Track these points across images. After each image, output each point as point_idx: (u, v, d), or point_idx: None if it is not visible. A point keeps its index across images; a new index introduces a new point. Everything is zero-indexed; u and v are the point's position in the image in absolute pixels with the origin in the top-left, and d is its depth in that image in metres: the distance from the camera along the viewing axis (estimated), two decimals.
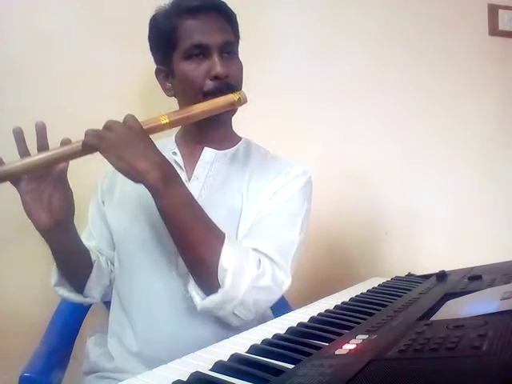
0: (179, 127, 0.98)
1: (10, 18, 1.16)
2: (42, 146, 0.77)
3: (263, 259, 0.81)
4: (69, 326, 1.04)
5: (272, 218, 0.88)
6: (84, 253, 0.92)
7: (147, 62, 0.98)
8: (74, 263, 0.90)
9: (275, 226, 0.87)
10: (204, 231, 0.78)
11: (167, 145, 0.98)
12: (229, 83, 0.88)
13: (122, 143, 0.75)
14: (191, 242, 0.78)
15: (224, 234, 0.79)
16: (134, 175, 0.75)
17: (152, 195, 0.77)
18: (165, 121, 0.82)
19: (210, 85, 0.87)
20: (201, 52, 0.87)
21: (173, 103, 0.98)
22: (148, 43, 0.95)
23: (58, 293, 0.93)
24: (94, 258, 0.94)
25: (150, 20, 0.94)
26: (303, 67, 1.46)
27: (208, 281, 0.77)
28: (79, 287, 0.93)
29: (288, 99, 1.42)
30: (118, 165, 0.74)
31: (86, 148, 0.76)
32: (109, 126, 0.76)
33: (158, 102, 1.02)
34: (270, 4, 1.42)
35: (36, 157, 0.76)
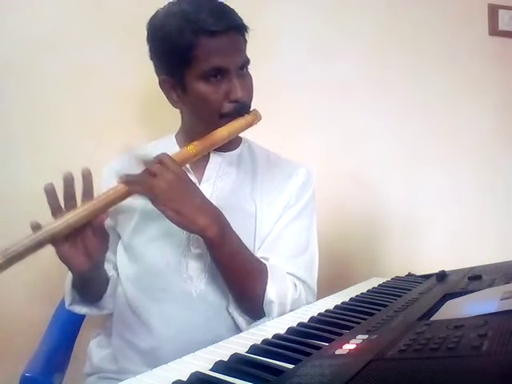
0: (179, 127, 1.00)
1: (10, 18, 1.16)
2: (70, 196, 0.75)
3: (298, 283, 0.89)
4: (69, 326, 1.04)
5: (291, 232, 0.92)
6: (105, 276, 0.93)
7: (148, 63, 0.98)
8: (95, 286, 0.91)
9: (297, 241, 0.93)
10: (251, 270, 0.85)
11: (170, 147, 0.97)
12: (245, 104, 0.88)
13: (177, 195, 0.77)
14: (241, 281, 0.84)
15: (266, 268, 0.86)
16: (194, 230, 0.79)
17: (208, 246, 0.81)
18: (193, 151, 0.84)
19: (228, 107, 0.87)
20: (220, 74, 0.85)
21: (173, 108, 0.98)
22: (148, 49, 0.91)
23: (74, 311, 0.93)
24: (109, 273, 0.95)
25: (154, 26, 0.89)
26: (304, 67, 1.46)
27: (253, 310, 0.84)
28: (94, 302, 0.94)
29: (289, 99, 1.42)
30: (177, 219, 0.77)
31: (126, 193, 0.77)
32: (154, 172, 0.77)
33: (159, 105, 1.02)
34: (270, 3, 1.42)
35: (76, 214, 0.74)
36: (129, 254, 0.94)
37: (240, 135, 1.03)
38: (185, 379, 0.49)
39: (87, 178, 0.76)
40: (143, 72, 1.12)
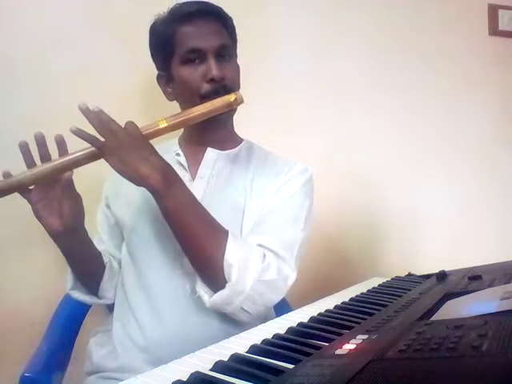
0: (182, 130, 1.01)
1: (10, 18, 1.16)
2: (44, 154, 0.79)
3: (268, 253, 0.83)
4: (69, 326, 1.04)
5: (275, 214, 0.90)
6: (96, 255, 0.95)
7: (149, 63, 0.99)
8: (87, 266, 0.93)
9: (279, 222, 0.90)
10: (207, 229, 0.81)
11: (171, 147, 1.00)
12: (225, 85, 0.90)
13: (124, 148, 0.77)
14: (195, 240, 0.81)
15: (227, 231, 0.82)
16: (137, 179, 0.78)
17: (154, 197, 0.80)
18: (163, 125, 0.84)
19: (206, 88, 0.90)
20: (197, 56, 0.90)
21: (173, 105, 0.98)
22: (149, 50, 0.98)
23: (73, 296, 0.96)
24: (105, 259, 0.98)
25: (150, 28, 0.97)
26: (303, 66, 1.46)
27: (214, 277, 0.80)
28: (93, 289, 0.96)
29: (288, 99, 1.42)
30: (121, 169, 0.78)
31: (93, 155, 0.79)
32: (111, 131, 0.78)
33: (160, 102, 1.02)
34: (270, 3, 1.42)
35: (42, 167, 0.79)
36: (129, 252, 0.96)
37: (243, 137, 1.04)
38: (185, 379, 0.49)
39: (61, 144, 0.79)
40: (144, 72, 1.13)
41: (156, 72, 0.99)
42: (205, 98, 0.89)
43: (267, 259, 0.82)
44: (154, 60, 0.98)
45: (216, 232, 0.82)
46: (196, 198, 0.83)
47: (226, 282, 0.79)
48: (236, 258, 0.79)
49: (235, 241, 0.82)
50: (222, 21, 0.94)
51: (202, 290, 0.82)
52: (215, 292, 0.80)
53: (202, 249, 0.80)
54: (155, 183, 0.78)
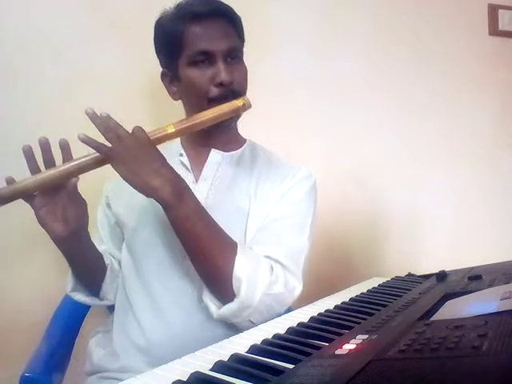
0: None
1: (12, 20, 1.16)
2: (48, 160, 0.78)
3: (275, 266, 0.83)
4: (69, 326, 1.04)
5: (280, 223, 0.90)
6: (98, 258, 0.95)
7: (153, 63, 0.98)
8: (89, 269, 0.93)
9: (284, 231, 0.89)
10: (216, 242, 0.81)
11: (174, 148, 1.00)
12: (233, 89, 0.89)
13: (133, 157, 0.76)
14: (204, 253, 0.80)
15: (236, 244, 0.82)
16: (147, 191, 0.77)
17: (164, 209, 0.79)
18: (171, 130, 0.83)
19: (214, 91, 0.88)
20: (206, 58, 0.88)
21: (177, 105, 0.98)
22: (154, 46, 0.96)
23: (75, 298, 0.96)
24: (107, 261, 0.97)
25: (156, 23, 0.94)
26: (304, 66, 1.46)
27: (223, 290, 0.80)
28: (95, 291, 0.96)
29: (288, 99, 1.42)
30: (130, 179, 0.77)
31: (98, 160, 0.78)
32: (118, 137, 0.76)
33: (164, 103, 1.02)
34: (271, 2, 1.42)
35: (47, 173, 0.77)
36: (130, 252, 0.96)
37: (246, 137, 1.04)
38: (185, 379, 0.49)
39: (65, 149, 0.78)
40: (149, 73, 1.13)
41: (161, 70, 0.97)
42: (212, 101, 0.88)
43: (275, 272, 0.82)
44: (158, 57, 0.96)
45: (225, 245, 0.81)
46: (205, 210, 0.82)
47: (234, 295, 0.78)
48: (245, 272, 0.78)
49: (244, 254, 0.81)
50: (232, 22, 0.92)
51: (209, 300, 0.82)
52: (223, 303, 0.80)
53: (211, 262, 0.80)
54: (166, 195, 0.77)
